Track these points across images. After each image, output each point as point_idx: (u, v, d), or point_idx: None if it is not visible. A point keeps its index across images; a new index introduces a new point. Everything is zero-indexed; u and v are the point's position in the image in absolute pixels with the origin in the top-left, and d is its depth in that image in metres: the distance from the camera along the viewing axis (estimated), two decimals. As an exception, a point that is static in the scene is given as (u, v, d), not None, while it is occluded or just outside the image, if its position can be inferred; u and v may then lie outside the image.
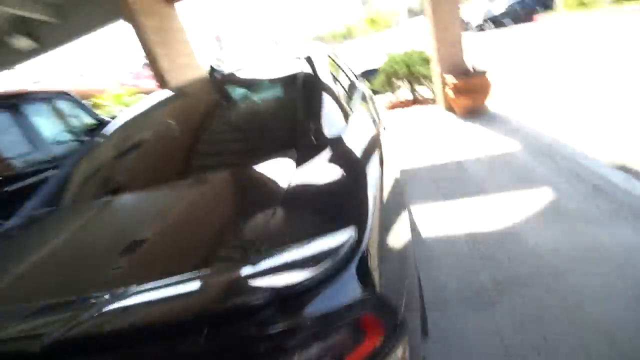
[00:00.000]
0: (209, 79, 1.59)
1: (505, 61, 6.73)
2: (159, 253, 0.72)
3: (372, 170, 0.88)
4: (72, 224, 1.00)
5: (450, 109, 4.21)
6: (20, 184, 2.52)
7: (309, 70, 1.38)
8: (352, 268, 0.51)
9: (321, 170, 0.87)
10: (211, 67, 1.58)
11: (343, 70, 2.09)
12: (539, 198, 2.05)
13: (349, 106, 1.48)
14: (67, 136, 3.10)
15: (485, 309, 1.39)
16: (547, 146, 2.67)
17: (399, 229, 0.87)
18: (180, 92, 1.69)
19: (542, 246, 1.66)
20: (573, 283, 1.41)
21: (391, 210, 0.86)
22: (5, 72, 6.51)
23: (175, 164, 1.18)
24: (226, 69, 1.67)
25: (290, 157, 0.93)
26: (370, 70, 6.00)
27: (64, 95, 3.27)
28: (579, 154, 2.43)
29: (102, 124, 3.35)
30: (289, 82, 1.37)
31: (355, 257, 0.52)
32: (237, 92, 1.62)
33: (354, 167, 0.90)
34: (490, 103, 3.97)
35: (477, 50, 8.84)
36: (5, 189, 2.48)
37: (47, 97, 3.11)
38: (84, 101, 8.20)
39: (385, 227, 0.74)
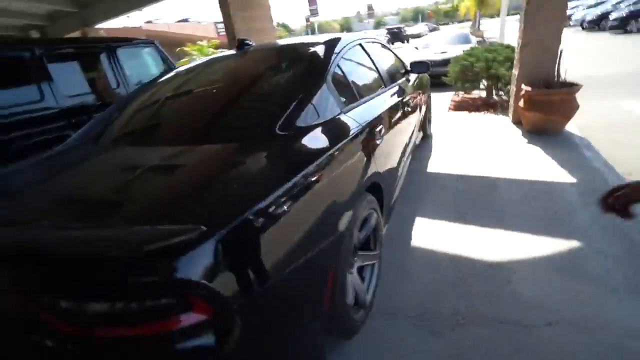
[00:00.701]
0: (235, 52, 1.73)
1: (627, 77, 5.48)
2: (78, 202, 0.93)
3: (304, 174, 0.92)
4: (67, 165, 1.24)
5: (518, 122, 3.71)
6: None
7: (319, 56, 1.41)
8: (192, 256, 0.61)
9: (246, 166, 0.94)
10: (239, 40, 1.72)
11: (375, 62, 2.01)
12: (559, 245, 1.80)
13: (356, 100, 1.50)
14: (144, 80, 3.65)
15: (432, 336, 1.38)
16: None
17: (306, 238, 0.91)
18: (204, 64, 1.83)
19: (529, 296, 1.51)
20: (537, 342, 1.29)
21: (304, 217, 0.91)
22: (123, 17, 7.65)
23: (155, 131, 1.37)
24: (252, 45, 1.78)
25: (234, 147, 1.03)
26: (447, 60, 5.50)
27: (150, 43, 3.79)
28: (645, 210, 2.00)
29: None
30: (292, 65, 1.44)
31: (201, 248, 0.62)
32: (246, 69, 1.70)
33: (286, 167, 0.94)
34: (575, 127, 3.36)
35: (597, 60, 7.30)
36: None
37: (137, 44, 3.66)
38: (180, 47, 9.17)
39: (280, 232, 0.81)
